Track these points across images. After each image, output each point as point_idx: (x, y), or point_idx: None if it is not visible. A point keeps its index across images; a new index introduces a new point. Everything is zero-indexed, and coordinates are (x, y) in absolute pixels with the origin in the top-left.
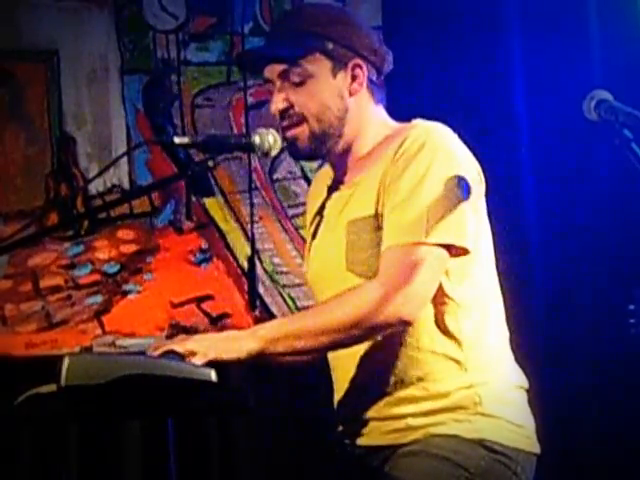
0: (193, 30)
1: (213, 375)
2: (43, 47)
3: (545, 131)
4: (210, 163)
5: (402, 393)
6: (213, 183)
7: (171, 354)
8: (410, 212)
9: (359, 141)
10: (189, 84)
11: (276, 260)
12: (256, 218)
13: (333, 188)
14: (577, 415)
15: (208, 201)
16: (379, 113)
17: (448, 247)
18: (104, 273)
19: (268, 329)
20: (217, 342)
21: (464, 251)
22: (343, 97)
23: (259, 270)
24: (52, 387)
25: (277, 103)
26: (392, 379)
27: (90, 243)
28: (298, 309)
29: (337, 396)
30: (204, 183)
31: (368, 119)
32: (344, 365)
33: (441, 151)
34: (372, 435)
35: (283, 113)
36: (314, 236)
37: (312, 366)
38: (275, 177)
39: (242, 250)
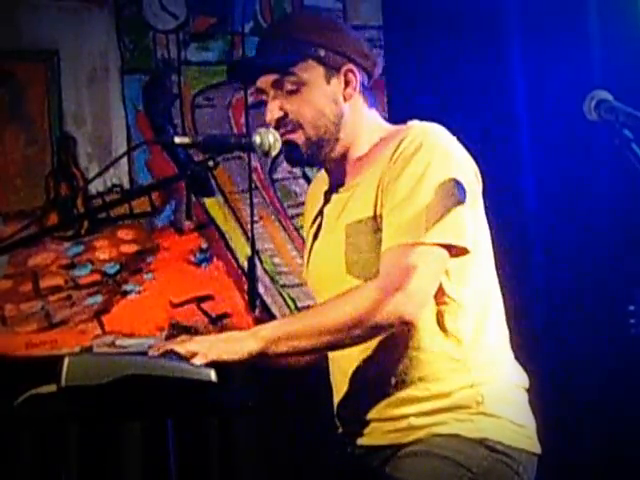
0: (193, 30)
1: (213, 375)
2: (43, 47)
3: (545, 131)
4: (210, 163)
5: (404, 393)
6: (213, 183)
7: (171, 354)
8: (409, 212)
9: (355, 145)
10: (189, 84)
11: (276, 260)
12: (256, 218)
13: (330, 192)
14: (577, 415)
15: (208, 201)
16: (373, 116)
17: (448, 247)
18: (104, 273)
19: (269, 329)
20: (218, 343)
21: (464, 251)
22: (338, 102)
23: (259, 270)
24: (52, 387)
25: (272, 112)
26: (393, 379)
27: (90, 243)
28: (298, 309)
29: (337, 397)
30: (204, 183)
31: (363, 123)
32: (344, 366)
33: (438, 151)
34: (373, 435)
35: (278, 122)
36: (313, 241)
37: (313, 367)
38: (275, 177)
39: (242, 250)
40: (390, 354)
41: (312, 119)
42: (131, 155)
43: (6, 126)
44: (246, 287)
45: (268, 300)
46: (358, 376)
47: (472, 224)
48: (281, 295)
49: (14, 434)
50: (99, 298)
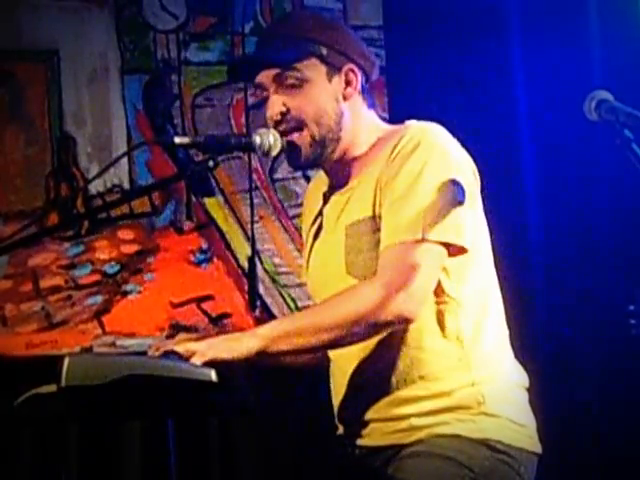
0: (193, 30)
1: (213, 375)
2: (43, 47)
3: (545, 131)
4: (210, 163)
5: (404, 393)
6: (213, 183)
7: (171, 354)
8: (407, 210)
9: (354, 145)
10: (189, 84)
11: (276, 260)
12: (256, 218)
13: (330, 193)
14: (577, 415)
15: (208, 201)
16: (372, 117)
17: (446, 245)
18: (104, 273)
19: (268, 327)
20: (217, 342)
21: (462, 250)
22: (338, 101)
23: (259, 270)
24: (52, 387)
25: (274, 107)
26: (394, 379)
27: (90, 243)
28: (298, 309)
29: (337, 397)
30: (204, 183)
31: (362, 123)
32: (344, 366)
33: (436, 150)
34: (374, 436)
35: (280, 117)
36: (313, 241)
37: (314, 367)
38: (275, 177)
39: (242, 250)
40: (390, 353)
41: (315, 116)
42: (131, 155)
43: (6, 126)
44: (246, 287)
45: (268, 300)
46: (358, 376)
47: (471, 223)
48: (281, 295)
49: (14, 434)
50: (99, 298)
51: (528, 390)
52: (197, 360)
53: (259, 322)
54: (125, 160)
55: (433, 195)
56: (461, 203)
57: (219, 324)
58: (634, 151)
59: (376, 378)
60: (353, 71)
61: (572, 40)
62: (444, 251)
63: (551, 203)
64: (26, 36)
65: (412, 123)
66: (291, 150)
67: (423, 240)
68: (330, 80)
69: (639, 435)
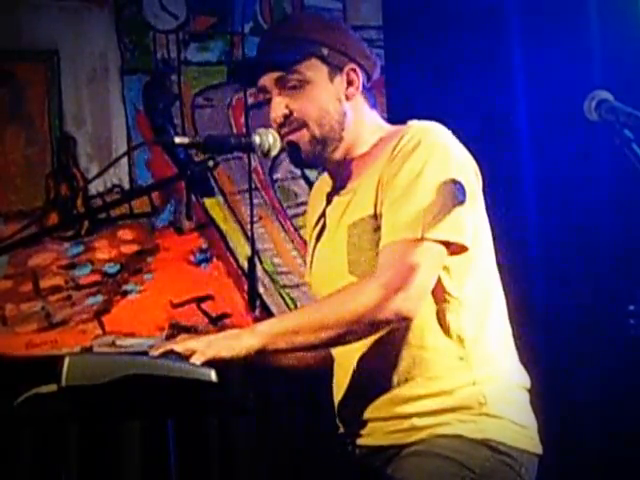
0: (193, 30)
1: (213, 375)
2: (43, 47)
3: (545, 131)
4: (210, 163)
5: (406, 392)
6: (213, 183)
7: (171, 354)
8: (407, 209)
9: (356, 145)
10: (189, 84)
11: (276, 260)
12: (256, 218)
13: (332, 194)
14: (578, 416)
15: (208, 201)
16: (374, 117)
17: (446, 244)
18: (104, 273)
19: (267, 325)
20: (217, 340)
21: (463, 248)
22: (341, 101)
23: (259, 270)
24: (52, 387)
25: (277, 110)
26: (395, 378)
27: (90, 243)
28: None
29: (338, 396)
30: (204, 183)
31: (364, 123)
32: (346, 365)
33: (437, 149)
34: (375, 435)
35: (283, 120)
36: (316, 242)
37: (318, 368)
38: (275, 177)
39: (242, 250)
40: (391, 352)
41: (317, 117)
42: (131, 155)
43: (6, 126)
44: (246, 287)
45: (268, 300)
46: (359, 375)
47: (472, 222)
48: (281, 295)
49: (14, 434)
50: (99, 298)
51: (529, 391)
52: (197, 359)
53: (259, 322)
54: (125, 160)
55: (433, 194)
56: (462, 202)
57: (219, 324)
58: (634, 151)
59: (377, 377)
60: (355, 71)
61: (572, 40)
62: (444, 250)
63: (551, 203)
64: (26, 36)
65: (414, 123)
66: (292, 149)
67: (422, 239)
68: (332, 80)
69: (639, 435)
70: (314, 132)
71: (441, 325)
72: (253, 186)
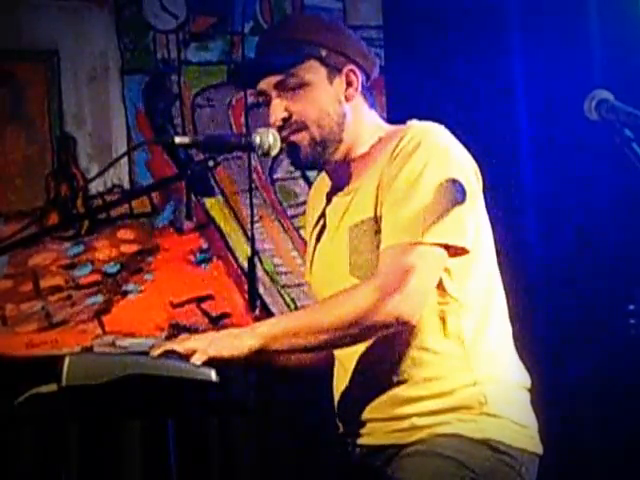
0: (193, 30)
1: (213, 375)
2: (43, 47)
3: (545, 131)
4: (210, 163)
5: (406, 393)
6: (213, 183)
7: (171, 354)
8: (407, 211)
9: (356, 146)
10: (189, 84)
11: (276, 260)
12: (256, 218)
13: (332, 194)
14: (578, 416)
15: (208, 201)
16: (373, 117)
17: (446, 247)
18: (104, 273)
19: (267, 326)
20: (217, 339)
21: (463, 250)
22: (340, 103)
23: (259, 270)
24: (52, 387)
25: (276, 113)
26: (395, 379)
27: (90, 243)
28: (298, 309)
29: (338, 396)
30: (204, 183)
31: (364, 123)
32: (347, 365)
33: (437, 150)
34: (375, 435)
35: (283, 123)
36: (316, 243)
37: (319, 369)
38: (275, 177)
39: (242, 250)
40: (392, 353)
41: (317, 119)
42: (131, 155)
43: (6, 126)
44: (246, 287)
45: (268, 300)
46: (360, 376)
47: (472, 223)
48: (281, 295)
49: (14, 433)
50: (99, 298)
51: (529, 390)
52: (198, 358)
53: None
54: (125, 160)
55: (433, 196)
56: (461, 203)
57: (219, 324)
58: (634, 150)
59: (378, 378)
60: (354, 72)
61: (572, 40)
62: (444, 253)
63: (551, 203)
64: (26, 36)
65: (414, 123)
66: (292, 150)
67: (422, 242)
68: (331, 82)
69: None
70: (314, 134)
71: (441, 326)
72: (253, 186)
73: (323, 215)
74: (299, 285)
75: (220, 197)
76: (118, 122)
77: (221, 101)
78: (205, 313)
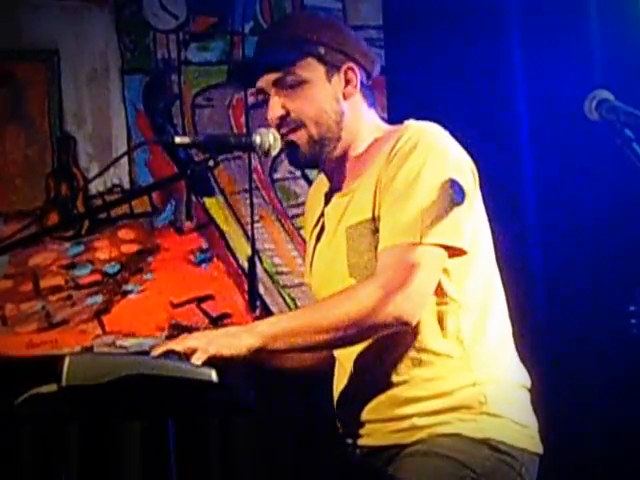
0: (193, 30)
1: (214, 375)
2: (43, 47)
3: (546, 131)
4: (210, 163)
5: (405, 393)
6: (213, 183)
7: (172, 354)
8: (405, 212)
9: (354, 144)
10: (189, 84)
11: (276, 260)
12: (256, 218)
13: (330, 196)
14: (578, 415)
15: (208, 201)
16: (372, 116)
17: (446, 247)
18: (104, 273)
19: (267, 325)
20: (216, 338)
21: (462, 251)
22: (338, 100)
23: (259, 270)
24: (53, 387)
25: (274, 110)
26: (395, 380)
27: (90, 243)
28: (298, 309)
29: (338, 396)
30: (204, 183)
31: (362, 122)
32: (346, 366)
33: (434, 150)
34: (375, 435)
35: (280, 120)
36: (315, 243)
37: (320, 370)
38: (275, 177)
39: (242, 250)
40: (391, 354)
41: (314, 117)
42: (131, 155)
43: (6, 126)
44: (246, 287)
45: (268, 300)
46: (359, 376)
47: (470, 224)
48: (281, 295)
49: (14, 434)
50: (99, 298)
51: (530, 390)
52: (199, 358)
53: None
54: (125, 160)
55: (431, 196)
56: (459, 204)
57: (219, 324)
58: (635, 150)
59: (377, 378)
60: (352, 69)
61: (572, 40)
62: (444, 253)
63: (551, 202)
64: (26, 36)
65: (410, 123)
66: (290, 149)
67: (421, 243)
68: (329, 80)
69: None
70: (312, 132)
71: (440, 327)
72: (253, 186)
73: (322, 216)
74: (299, 285)
75: (220, 197)
76: (118, 122)
77: (221, 101)
78: (205, 313)
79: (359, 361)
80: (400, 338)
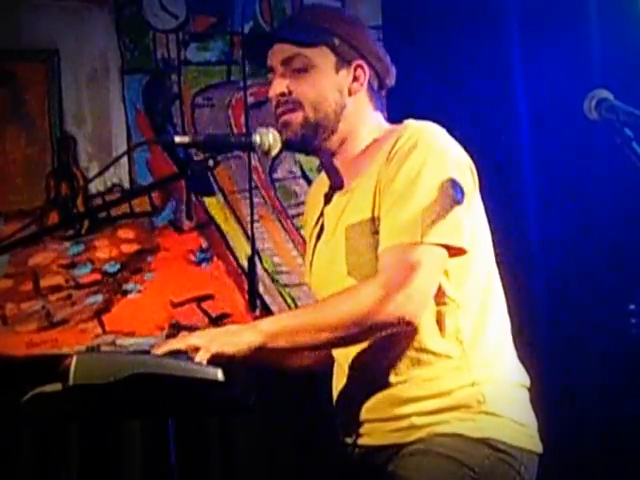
0: (193, 30)
1: (220, 374)
2: (43, 47)
3: (545, 131)
4: (210, 162)
5: (405, 393)
6: (213, 182)
7: (177, 353)
8: (405, 212)
9: (352, 141)
10: (189, 84)
11: (276, 259)
12: (256, 217)
13: (330, 195)
14: (578, 415)
15: (208, 200)
16: (376, 118)
17: (446, 247)
18: (104, 272)
19: (269, 323)
20: (218, 336)
21: (461, 251)
22: (342, 93)
23: (259, 270)
24: (57, 386)
25: (276, 87)
26: (394, 380)
27: (90, 242)
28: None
29: (337, 396)
30: (204, 182)
31: (364, 121)
32: (345, 366)
33: (434, 150)
34: (375, 435)
35: (280, 98)
36: (315, 243)
37: (319, 369)
38: (275, 176)
39: (242, 249)
40: (391, 354)
41: (314, 101)
42: (131, 155)
43: (6, 126)
44: (246, 287)
45: (268, 300)
46: (358, 376)
47: (469, 223)
48: (281, 294)
49: (15, 433)
50: (99, 297)
51: (529, 389)
52: (202, 356)
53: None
54: (125, 159)
55: (432, 196)
56: (459, 203)
57: (219, 324)
58: (634, 150)
59: (376, 378)
60: (362, 67)
61: (572, 40)
62: (445, 253)
63: (551, 202)
64: (26, 36)
65: (410, 122)
66: (283, 128)
67: (422, 243)
68: (337, 71)
69: None
70: (308, 115)
71: (439, 327)
72: (253, 185)
73: (322, 215)
74: (299, 284)
75: (220, 196)
76: (118, 122)
77: (221, 101)
78: (205, 312)
79: (358, 361)
80: (399, 338)
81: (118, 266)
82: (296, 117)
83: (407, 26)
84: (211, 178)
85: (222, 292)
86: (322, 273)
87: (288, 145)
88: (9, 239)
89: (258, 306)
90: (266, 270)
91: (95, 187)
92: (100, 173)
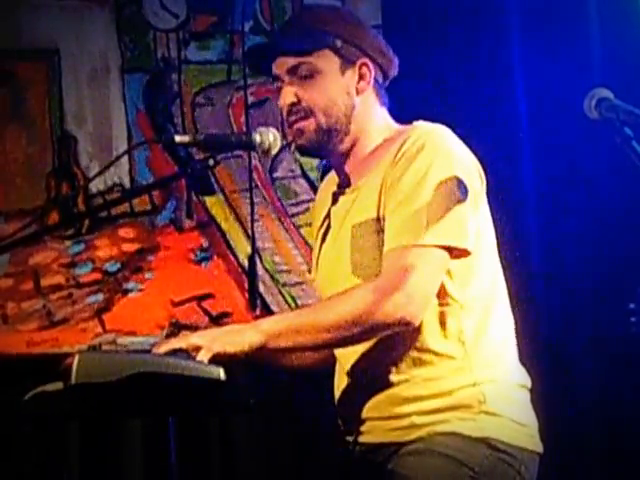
0: (193, 29)
1: (222, 374)
2: (44, 46)
3: (545, 130)
4: (210, 162)
5: (405, 392)
6: (214, 182)
7: (179, 352)
8: (410, 213)
9: (363, 141)
10: (189, 83)
11: (276, 259)
12: (256, 217)
13: (338, 193)
14: (578, 414)
15: (209, 200)
16: (383, 114)
17: (448, 249)
18: (105, 272)
19: (270, 323)
20: (220, 335)
21: (465, 252)
22: (350, 94)
23: (259, 269)
24: (58, 385)
25: (286, 97)
26: (395, 379)
27: (91, 242)
28: (298, 308)
29: (338, 395)
30: (205, 182)
31: (373, 119)
32: (347, 365)
33: (441, 152)
34: (375, 433)
35: (291, 108)
36: (322, 242)
37: (320, 368)
38: (275, 176)
39: (242, 249)
40: (392, 354)
41: (324, 107)
42: (132, 154)
43: (7, 125)
44: (246, 286)
45: (268, 299)
46: (360, 375)
47: (474, 224)
48: (281, 294)
49: (15, 432)
50: (100, 296)
51: (530, 390)
52: (204, 355)
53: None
54: (125, 159)
55: (436, 198)
56: (463, 201)
57: (219, 323)
58: (634, 149)
59: (377, 377)
60: (367, 65)
61: (572, 40)
62: (446, 255)
63: (551, 202)
64: (26, 36)
65: (419, 124)
66: (297, 135)
67: (422, 244)
68: (343, 73)
69: None
70: (320, 121)
71: (442, 328)
72: (253, 184)
73: (329, 215)
74: (300, 283)
75: (220, 196)
76: (118, 121)
77: (221, 100)
78: (205, 312)
79: (359, 360)
80: (401, 338)
81: (118, 265)
82: (309, 124)
83: (406, 26)
84: (211, 177)
85: (222, 291)
86: (328, 272)
87: (303, 151)
88: (10, 238)
89: (258, 305)
90: (266, 269)
91: (95, 186)
92: (100, 172)
